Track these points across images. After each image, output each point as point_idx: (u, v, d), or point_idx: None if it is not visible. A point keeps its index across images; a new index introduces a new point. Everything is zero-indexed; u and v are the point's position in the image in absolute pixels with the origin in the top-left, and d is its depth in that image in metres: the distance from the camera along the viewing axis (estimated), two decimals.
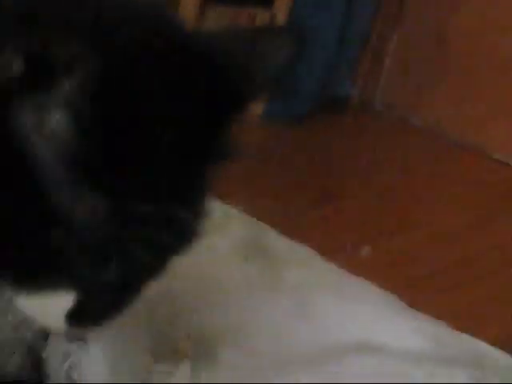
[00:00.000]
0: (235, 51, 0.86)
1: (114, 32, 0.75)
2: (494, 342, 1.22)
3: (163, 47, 0.78)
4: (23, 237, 0.73)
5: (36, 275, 0.77)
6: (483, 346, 1.19)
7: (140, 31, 0.77)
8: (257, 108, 3.95)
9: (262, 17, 3.86)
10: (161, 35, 0.79)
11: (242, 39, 0.89)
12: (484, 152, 4.19)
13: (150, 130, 0.76)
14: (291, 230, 1.37)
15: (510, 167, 4.11)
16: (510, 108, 4.16)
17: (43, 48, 0.67)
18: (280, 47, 0.87)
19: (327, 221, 3.06)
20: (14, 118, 0.67)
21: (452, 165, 4.10)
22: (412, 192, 3.61)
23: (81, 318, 0.82)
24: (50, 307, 0.80)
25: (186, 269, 1.12)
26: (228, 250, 1.21)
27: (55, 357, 0.89)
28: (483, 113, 4.24)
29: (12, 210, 0.71)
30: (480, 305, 2.75)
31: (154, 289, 0.96)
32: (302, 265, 1.26)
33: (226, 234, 1.25)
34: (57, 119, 0.68)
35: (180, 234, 0.83)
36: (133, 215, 0.73)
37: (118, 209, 0.72)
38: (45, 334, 0.89)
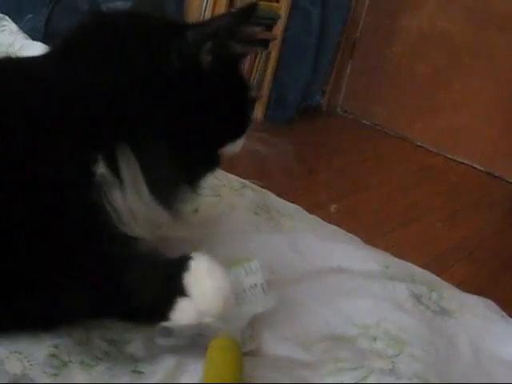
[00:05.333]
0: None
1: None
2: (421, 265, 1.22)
3: None
4: None
5: None
6: (414, 267, 1.19)
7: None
8: (260, 113, 3.95)
9: None
10: None
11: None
12: (411, 141, 4.20)
13: None
14: (285, 194, 1.37)
15: (427, 150, 4.14)
16: (423, 112, 4.19)
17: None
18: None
19: (308, 188, 3.06)
20: None
21: (389, 149, 4.12)
22: (363, 167, 3.62)
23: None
24: None
25: (216, 218, 1.13)
26: (243, 208, 1.20)
27: None
28: (411, 114, 4.25)
29: None
30: (415, 239, 2.77)
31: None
32: (293, 216, 1.26)
33: (242, 197, 1.25)
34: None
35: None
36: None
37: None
38: None
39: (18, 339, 0.73)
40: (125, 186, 0.79)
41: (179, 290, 0.71)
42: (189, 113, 0.83)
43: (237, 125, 0.91)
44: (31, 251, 0.70)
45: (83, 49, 0.82)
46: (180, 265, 0.73)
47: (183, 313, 0.72)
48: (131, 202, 0.80)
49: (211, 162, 0.90)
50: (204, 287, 0.72)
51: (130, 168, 0.78)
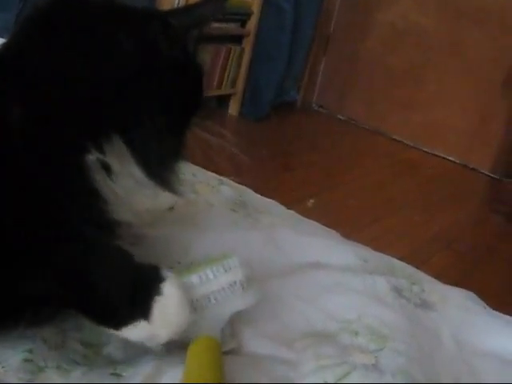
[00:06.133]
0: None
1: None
2: (399, 258, 1.21)
3: None
4: None
5: None
6: (394, 260, 1.19)
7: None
8: (235, 110, 3.93)
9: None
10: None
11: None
12: (387, 135, 4.22)
13: None
14: (262, 190, 1.36)
15: (403, 144, 4.17)
16: (398, 106, 4.21)
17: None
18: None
19: (285, 183, 3.06)
20: None
21: (365, 143, 4.15)
22: (339, 162, 3.63)
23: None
24: None
25: (193, 215, 1.12)
26: (220, 204, 1.19)
27: None
28: (383, 109, 4.27)
29: None
30: (393, 232, 2.79)
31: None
32: (270, 212, 1.25)
33: (219, 193, 1.23)
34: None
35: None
36: None
37: None
38: None
39: None
40: (115, 171, 0.79)
41: (143, 311, 0.70)
42: (173, 94, 0.84)
43: (200, 100, 0.92)
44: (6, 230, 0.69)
45: (63, 34, 0.80)
46: (153, 281, 0.71)
47: (137, 331, 0.70)
48: (122, 187, 0.80)
49: (185, 132, 0.90)
50: (167, 320, 0.70)
51: (119, 152, 0.78)
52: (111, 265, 0.72)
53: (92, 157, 0.76)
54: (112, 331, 0.71)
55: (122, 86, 0.78)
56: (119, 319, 0.70)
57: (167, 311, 0.70)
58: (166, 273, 0.72)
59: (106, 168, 0.78)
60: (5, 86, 0.75)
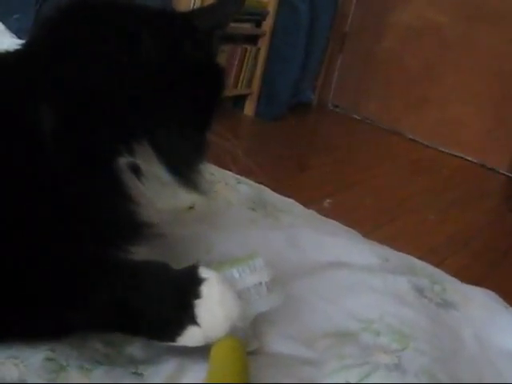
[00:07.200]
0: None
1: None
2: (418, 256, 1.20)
3: None
4: None
5: None
6: (414, 260, 1.18)
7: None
8: (250, 110, 3.93)
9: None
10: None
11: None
12: (403, 134, 4.20)
13: None
14: (278, 190, 1.35)
15: (419, 143, 4.15)
16: (414, 106, 4.19)
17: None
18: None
19: (301, 183, 3.05)
20: None
21: (381, 143, 4.13)
22: (354, 162, 3.63)
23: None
24: None
25: (213, 214, 1.11)
26: (240, 203, 1.19)
27: None
28: (399, 108, 4.26)
29: None
30: (409, 232, 2.76)
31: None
32: (290, 212, 1.24)
33: (237, 193, 1.23)
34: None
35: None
36: None
37: None
38: None
39: (13, 344, 0.70)
40: (145, 173, 0.79)
41: (189, 317, 0.70)
42: (197, 95, 0.84)
43: (222, 99, 0.92)
44: (40, 255, 0.69)
45: (89, 36, 0.79)
46: (191, 286, 0.71)
47: (191, 338, 0.71)
48: (150, 189, 0.80)
49: (207, 131, 0.90)
50: (215, 317, 0.71)
51: (146, 154, 0.79)
52: (151, 283, 0.72)
53: (124, 159, 0.76)
54: (168, 343, 0.72)
55: (149, 88, 0.78)
56: (172, 331, 0.71)
57: (212, 311, 0.70)
58: (204, 272, 0.72)
59: (136, 170, 0.78)
60: (32, 86, 0.74)
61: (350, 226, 1.29)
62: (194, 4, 3.35)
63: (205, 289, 0.71)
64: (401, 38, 4.23)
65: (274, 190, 1.35)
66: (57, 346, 0.72)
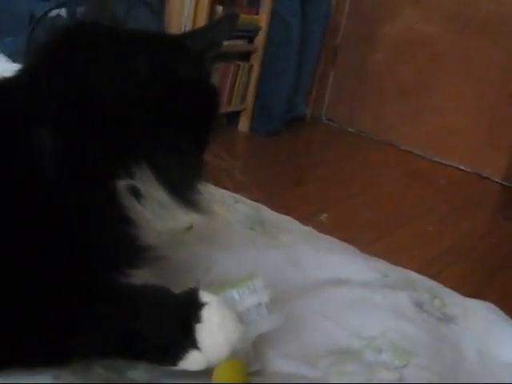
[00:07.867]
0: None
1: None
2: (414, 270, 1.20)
3: None
4: None
5: None
6: (413, 274, 1.18)
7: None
8: (245, 126, 3.94)
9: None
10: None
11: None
12: (397, 146, 4.21)
13: None
14: (277, 204, 1.36)
15: (413, 154, 4.17)
16: (408, 117, 4.19)
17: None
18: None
19: (297, 198, 3.05)
20: None
21: (376, 155, 4.13)
22: (350, 175, 3.63)
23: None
24: None
25: (212, 234, 1.11)
26: (238, 223, 1.19)
27: None
28: (393, 120, 4.27)
29: None
30: (407, 244, 2.77)
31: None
32: (288, 229, 1.24)
33: (235, 212, 1.23)
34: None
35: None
36: None
37: None
38: None
39: (13, 371, 0.70)
40: (144, 196, 0.80)
41: (190, 342, 0.70)
42: (193, 116, 0.85)
43: (217, 118, 0.93)
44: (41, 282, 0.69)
45: (85, 61, 0.80)
46: (192, 310, 0.72)
47: (192, 362, 0.71)
48: (150, 211, 0.81)
49: (205, 150, 0.91)
50: (216, 341, 0.71)
51: (145, 177, 0.79)
52: (151, 308, 0.72)
53: (123, 182, 0.77)
54: (169, 367, 0.72)
55: (146, 111, 0.78)
56: (173, 356, 0.71)
57: (213, 336, 0.71)
58: (204, 296, 0.73)
59: (136, 193, 0.79)
60: (31, 111, 0.75)
61: (347, 240, 1.29)
62: (185, 27, 3.37)
63: (205, 313, 0.71)
64: (393, 50, 4.25)
65: (271, 205, 1.36)
66: (60, 372, 0.72)
